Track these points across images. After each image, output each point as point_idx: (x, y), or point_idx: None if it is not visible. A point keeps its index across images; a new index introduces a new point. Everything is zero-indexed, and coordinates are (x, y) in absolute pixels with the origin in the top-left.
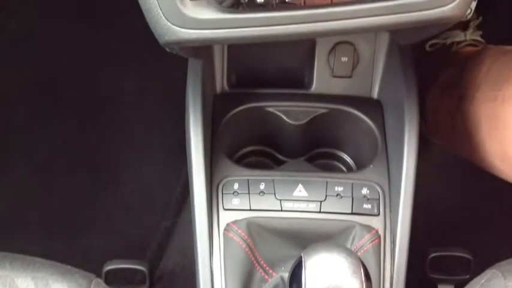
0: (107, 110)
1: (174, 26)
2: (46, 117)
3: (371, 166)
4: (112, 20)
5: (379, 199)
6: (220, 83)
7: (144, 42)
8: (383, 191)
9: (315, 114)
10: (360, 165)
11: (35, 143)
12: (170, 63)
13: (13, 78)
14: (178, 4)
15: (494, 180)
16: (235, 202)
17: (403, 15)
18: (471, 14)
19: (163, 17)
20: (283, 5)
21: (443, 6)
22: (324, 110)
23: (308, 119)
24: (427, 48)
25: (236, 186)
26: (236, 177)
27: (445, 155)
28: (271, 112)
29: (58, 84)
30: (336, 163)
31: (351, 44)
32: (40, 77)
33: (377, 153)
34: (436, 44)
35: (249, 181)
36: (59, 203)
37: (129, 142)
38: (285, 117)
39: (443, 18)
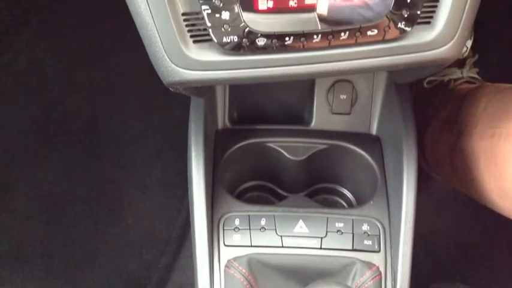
0: (109, 145)
1: (178, 68)
2: (48, 152)
3: (371, 202)
4: (116, 58)
5: (379, 235)
6: (222, 118)
7: (147, 79)
8: (383, 227)
9: (315, 150)
10: (360, 201)
11: (37, 177)
12: (173, 99)
13: (18, 113)
14: (182, 47)
15: (494, 216)
16: (236, 238)
17: (399, 56)
18: (467, 52)
19: (168, 59)
20: (283, 48)
21: (438, 48)
22: (323, 146)
23: (308, 154)
24: (425, 85)
25: (237, 222)
26: (237, 212)
27: (445, 190)
28: (272, 148)
29: (61, 120)
30: (337, 198)
31: (350, 82)
32: (43, 112)
33: (377, 189)
34: (433, 80)
35: (250, 217)
36: (60, 238)
37: (130, 177)
38: (285, 153)
39: (438, 60)
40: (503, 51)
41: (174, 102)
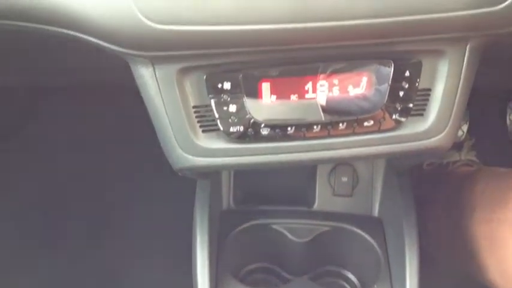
0: (115, 224)
1: (188, 155)
2: (53, 231)
3: (375, 287)
4: (121, 143)
5: None
6: (227, 199)
7: (152, 163)
8: None
9: (318, 232)
10: (364, 284)
11: (41, 257)
12: (179, 179)
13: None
14: (192, 136)
15: None
16: None
17: (394, 145)
18: (464, 135)
19: (178, 147)
20: (285, 136)
21: (431, 137)
22: (326, 228)
23: (311, 236)
24: (424, 167)
25: None
26: None
27: (448, 270)
28: (276, 229)
29: (67, 204)
30: (341, 282)
31: (350, 165)
32: (49, 194)
33: (380, 272)
34: (432, 163)
35: None
36: None
37: (135, 257)
38: (289, 235)
39: (432, 149)
40: (499, 133)
41: (182, 182)
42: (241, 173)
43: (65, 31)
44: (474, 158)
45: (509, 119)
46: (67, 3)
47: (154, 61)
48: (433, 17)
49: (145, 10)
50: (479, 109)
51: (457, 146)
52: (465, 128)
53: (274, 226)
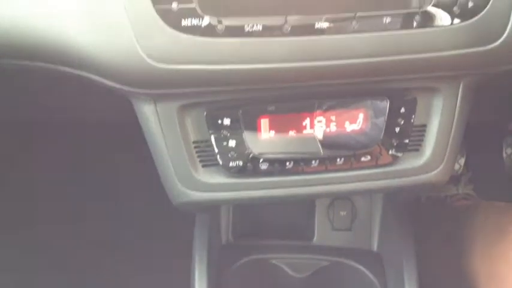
0: (116, 257)
1: (188, 190)
2: (50, 273)
3: None
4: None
5: None
6: (226, 234)
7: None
8: None
9: (318, 266)
10: None
11: None
12: (178, 215)
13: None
14: (192, 171)
15: None
16: None
17: (391, 180)
18: (461, 169)
19: (178, 182)
20: (284, 171)
21: (428, 172)
22: (325, 263)
23: (311, 271)
24: (423, 201)
25: None
26: None
27: None
28: (275, 264)
29: (67, 243)
30: None
31: (349, 199)
32: (47, 233)
33: None
34: (430, 197)
35: None
36: None
37: None
38: (288, 270)
39: (428, 184)
40: (496, 167)
41: (181, 216)
42: (240, 207)
43: (70, 70)
44: (472, 192)
45: (506, 153)
46: (74, 43)
47: (156, 98)
48: (427, 56)
49: (149, 50)
50: (476, 142)
51: (455, 179)
52: (462, 161)
53: (273, 261)
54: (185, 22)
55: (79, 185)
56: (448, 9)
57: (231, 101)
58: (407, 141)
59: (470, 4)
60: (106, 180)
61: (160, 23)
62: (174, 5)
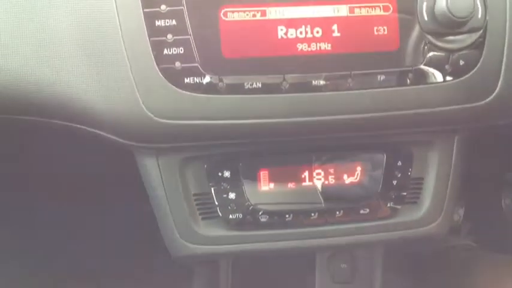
0: None
1: (187, 243)
2: None
3: None
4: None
5: None
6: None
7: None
8: None
9: None
10: None
11: None
12: (176, 268)
13: None
14: (192, 224)
15: None
16: None
17: (390, 233)
18: (461, 219)
19: (178, 235)
20: (284, 224)
21: (426, 225)
22: None
23: None
24: (423, 253)
25: None
26: None
27: None
28: None
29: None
30: None
31: (349, 251)
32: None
33: None
34: (431, 248)
35: None
36: None
37: None
38: None
39: (427, 236)
40: (496, 217)
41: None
42: (240, 261)
43: (75, 125)
44: (472, 243)
45: (505, 203)
46: (79, 99)
47: (158, 152)
48: (420, 112)
49: (152, 106)
50: (475, 193)
51: (455, 230)
52: (461, 212)
53: None
54: (188, 80)
55: (79, 228)
56: (440, 67)
57: (231, 154)
58: (405, 193)
59: (462, 62)
60: (104, 231)
61: (164, 81)
62: (178, 64)
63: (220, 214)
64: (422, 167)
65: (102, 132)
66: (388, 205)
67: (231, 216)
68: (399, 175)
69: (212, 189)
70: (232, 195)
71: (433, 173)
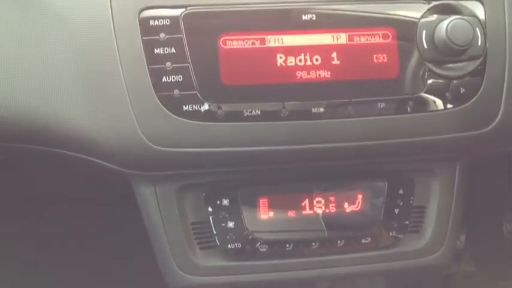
0: None
1: (185, 274)
2: None
3: None
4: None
5: None
6: None
7: None
8: None
9: None
10: None
11: None
12: None
13: None
14: (189, 253)
15: None
16: None
17: (392, 263)
18: (462, 245)
19: (175, 265)
20: (284, 253)
21: (429, 255)
22: None
23: None
24: (423, 280)
25: None
26: None
27: None
28: None
29: None
30: None
31: (350, 280)
32: None
33: None
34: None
35: None
36: None
37: None
38: None
39: (430, 267)
40: (498, 243)
41: None
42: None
43: (73, 153)
44: (474, 269)
45: (506, 229)
46: (76, 126)
47: (155, 180)
48: (421, 140)
49: (150, 134)
50: (476, 219)
51: (456, 256)
52: (463, 238)
53: None
54: (186, 108)
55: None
56: (440, 95)
57: (230, 182)
58: (407, 222)
59: (462, 90)
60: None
61: (162, 108)
62: (176, 92)
63: (218, 243)
64: (424, 195)
65: (99, 160)
66: (390, 234)
67: (229, 245)
68: (401, 203)
69: (210, 217)
70: (231, 224)
71: (435, 201)
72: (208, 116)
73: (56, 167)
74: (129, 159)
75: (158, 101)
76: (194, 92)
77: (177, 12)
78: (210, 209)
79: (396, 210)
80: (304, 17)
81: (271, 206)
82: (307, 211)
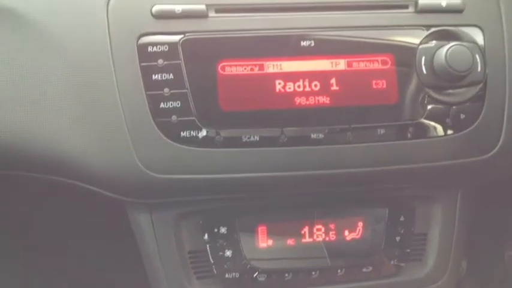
0: None
1: None
2: None
3: None
4: None
5: None
6: None
7: None
8: None
9: None
10: None
11: None
12: None
13: None
14: (185, 283)
15: None
16: None
17: None
18: (464, 272)
19: None
20: (283, 283)
21: (431, 284)
22: None
23: None
24: None
25: None
26: None
27: None
28: None
29: None
30: None
31: None
32: None
33: None
34: None
35: None
36: None
37: None
38: None
39: None
40: (499, 269)
41: None
42: None
43: (68, 180)
44: None
45: (508, 256)
46: (72, 155)
47: (152, 208)
48: (421, 166)
49: (146, 160)
50: (478, 246)
51: (458, 283)
52: (464, 264)
53: None
54: (184, 134)
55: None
56: (440, 121)
57: (228, 209)
58: (408, 250)
59: (463, 116)
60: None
61: (159, 135)
62: (174, 118)
63: (215, 273)
64: (425, 223)
65: (94, 188)
66: (392, 262)
67: (227, 275)
68: (402, 231)
69: (208, 246)
70: (228, 253)
71: (437, 228)
72: (206, 142)
73: (51, 191)
74: (124, 185)
75: (156, 127)
76: (192, 118)
77: (175, 38)
78: (207, 237)
79: (397, 238)
80: (303, 43)
81: (270, 234)
82: (307, 239)
